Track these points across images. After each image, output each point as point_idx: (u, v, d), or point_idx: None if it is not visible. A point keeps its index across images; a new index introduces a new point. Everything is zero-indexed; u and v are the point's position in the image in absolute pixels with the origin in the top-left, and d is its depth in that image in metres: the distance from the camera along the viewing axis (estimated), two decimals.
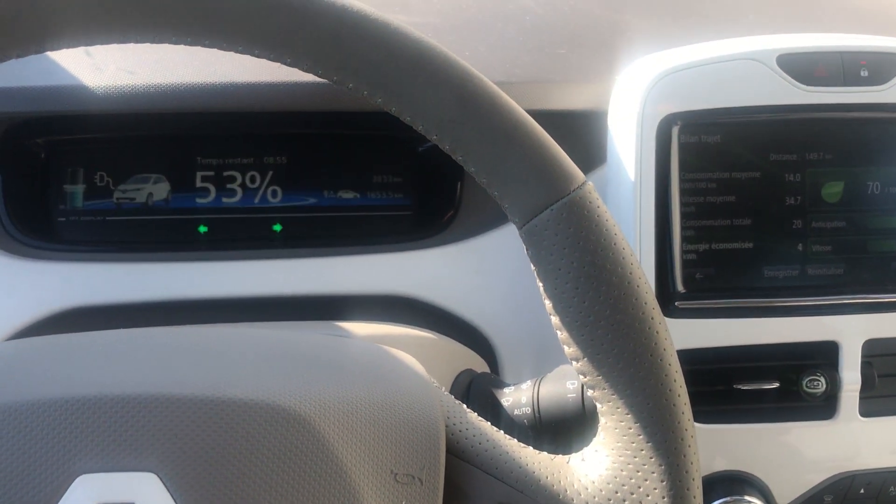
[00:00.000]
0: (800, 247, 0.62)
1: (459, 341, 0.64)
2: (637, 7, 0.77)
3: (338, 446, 0.37)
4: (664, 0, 0.80)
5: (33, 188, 0.65)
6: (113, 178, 0.65)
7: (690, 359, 0.58)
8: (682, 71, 0.60)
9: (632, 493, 0.40)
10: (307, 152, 0.67)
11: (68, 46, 0.38)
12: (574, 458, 0.43)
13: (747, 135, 0.61)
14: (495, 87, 0.40)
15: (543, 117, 0.43)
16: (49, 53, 0.61)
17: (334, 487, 0.36)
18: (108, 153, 0.65)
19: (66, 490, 0.34)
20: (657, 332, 0.40)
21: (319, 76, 0.40)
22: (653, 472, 0.40)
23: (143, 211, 0.65)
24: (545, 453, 0.42)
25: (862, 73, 0.61)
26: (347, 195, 0.67)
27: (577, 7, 0.77)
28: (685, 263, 0.61)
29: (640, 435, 0.40)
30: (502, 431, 0.43)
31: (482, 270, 0.65)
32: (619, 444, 0.41)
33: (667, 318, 0.43)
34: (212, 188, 0.66)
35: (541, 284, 0.41)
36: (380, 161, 0.67)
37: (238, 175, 0.66)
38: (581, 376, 0.42)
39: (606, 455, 0.41)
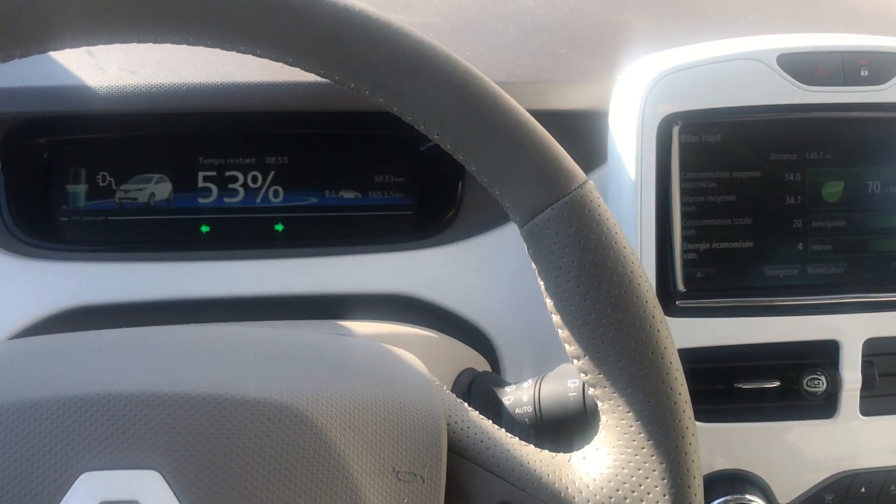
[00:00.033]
0: (800, 246, 0.62)
1: (461, 340, 0.64)
2: (637, 7, 0.77)
3: (340, 444, 0.37)
4: (664, 0, 0.80)
5: (36, 188, 0.65)
6: (115, 177, 0.65)
7: (691, 357, 0.58)
8: (682, 71, 0.60)
9: (633, 492, 0.40)
10: (309, 152, 0.67)
11: (71, 46, 0.39)
12: (575, 456, 0.43)
13: (748, 134, 0.61)
14: (496, 87, 0.40)
15: (544, 117, 0.43)
16: (51, 54, 0.61)
17: (337, 485, 0.36)
18: (110, 153, 0.66)
19: (69, 488, 0.34)
20: (658, 331, 0.41)
21: (321, 76, 0.40)
22: (654, 471, 0.40)
23: (145, 211, 0.65)
24: (546, 451, 0.43)
25: (862, 73, 0.61)
26: (349, 195, 0.67)
27: (578, 7, 0.77)
28: (686, 262, 0.61)
29: (641, 433, 0.40)
30: (503, 430, 0.43)
31: (483, 269, 0.65)
32: (621, 443, 0.41)
33: (667, 317, 0.43)
34: (214, 188, 0.66)
35: (542, 283, 0.41)
36: (381, 161, 0.68)
37: (240, 175, 0.66)
38: (582, 375, 0.42)
39: (607, 453, 0.41)
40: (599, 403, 0.42)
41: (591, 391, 0.42)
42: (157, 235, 0.66)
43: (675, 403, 0.41)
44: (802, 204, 0.62)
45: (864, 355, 0.62)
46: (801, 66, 0.60)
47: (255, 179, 0.66)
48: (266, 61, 0.40)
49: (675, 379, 0.41)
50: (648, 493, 0.40)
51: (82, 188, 0.65)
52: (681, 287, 0.61)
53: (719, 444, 0.62)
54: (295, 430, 0.37)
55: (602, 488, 0.41)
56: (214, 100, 0.61)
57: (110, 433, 0.35)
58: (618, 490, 0.40)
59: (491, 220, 0.65)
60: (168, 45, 0.39)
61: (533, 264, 0.41)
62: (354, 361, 0.43)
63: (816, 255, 0.62)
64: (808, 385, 0.61)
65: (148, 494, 0.35)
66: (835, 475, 0.64)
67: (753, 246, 0.62)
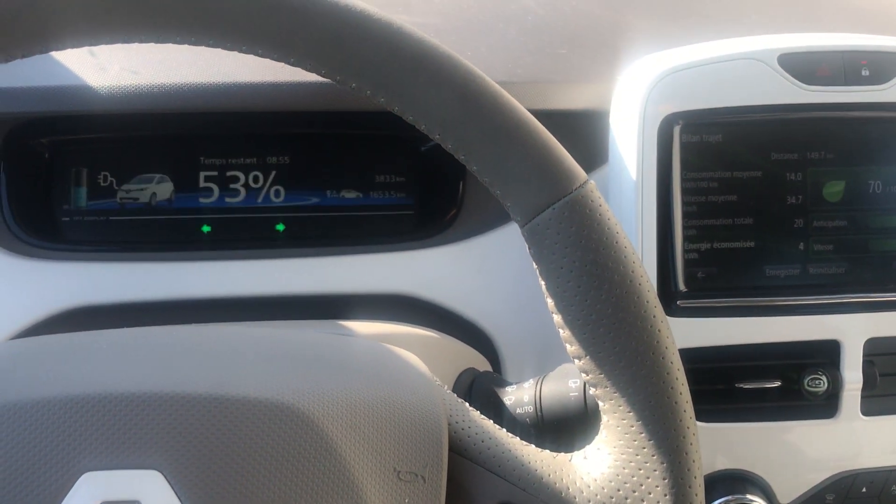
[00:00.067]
0: (801, 246, 0.62)
1: (462, 340, 0.64)
2: (638, 7, 0.77)
3: (341, 444, 0.37)
4: (665, 0, 0.80)
5: (37, 188, 0.65)
6: (116, 177, 0.65)
7: (692, 357, 0.58)
8: (683, 71, 0.60)
9: (634, 491, 0.40)
10: (310, 152, 0.67)
11: (72, 46, 0.39)
12: (576, 456, 0.43)
13: (749, 134, 0.61)
14: (497, 87, 0.40)
15: (545, 117, 0.43)
16: (53, 54, 0.61)
17: (338, 485, 0.36)
18: (111, 153, 0.66)
19: (70, 488, 0.34)
20: (659, 331, 0.41)
21: (322, 76, 0.40)
22: (655, 471, 0.40)
23: (146, 211, 0.66)
24: (547, 451, 0.43)
25: (863, 73, 0.61)
26: (350, 195, 0.67)
27: (578, 7, 0.77)
28: (687, 262, 0.61)
29: (642, 433, 0.40)
30: (505, 430, 0.43)
31: (484, 269, 0.65)
32: (621, 443, 0.41)
33: (668, 317, 0.43)
34: (215, 188, 0.66)
35: (543, 283, 0.41)
36: (382, 161, 0.68)
37: (241, 175, 0.66)
38: (583, 375, 0.42)
39: (608, 453, 0.41)
40: (600, 403, 0.42)
41: (592, 391, 0.42)
42: (159, 235, 0.66)
43: (676, 403, 0.41)
44: (803, 204, 0.62)
45: (865, 355, 0.62)
46: (802, 66, 0.60)
47: (256, 179, 0.66)
48: (267, 61, 0.40)
49: (676, 379, 0.41)
50: (649, 493, 0.40)
51: (84, 188, 0.65)
52: (682, 287, 0.61)
53: (720, 444, 0.62)
54: (296, 430, 0.37)
55: (603, 488, 0.41)
56: (216, 100, 0.61)
57: (111, 433, 0.35)
58: (619, 490, 0.40)
59: (492, 219, 0.65)
60: (170, 45, 0.39)
61: (534, 264, 0.41)
62: (355, 361, 0.43)
63: (817, 254, 0.62)
64: (809, 385, 0.61)
65: (149, 494, 0.35)
66: (836, 475, 0.64)
67: (754, 246, 0.62)
